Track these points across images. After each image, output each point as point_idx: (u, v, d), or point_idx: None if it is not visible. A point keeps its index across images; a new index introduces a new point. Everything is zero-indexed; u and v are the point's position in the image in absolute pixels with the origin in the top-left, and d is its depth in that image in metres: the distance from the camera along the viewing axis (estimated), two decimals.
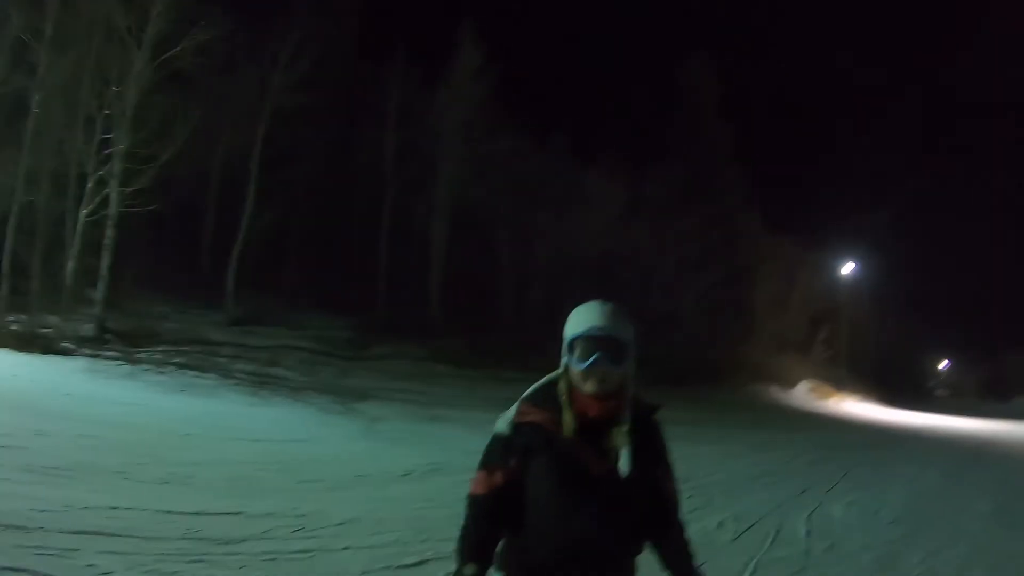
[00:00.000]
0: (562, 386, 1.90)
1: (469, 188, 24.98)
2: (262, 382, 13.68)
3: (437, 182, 25.20)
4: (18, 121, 15.50)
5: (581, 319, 1.91)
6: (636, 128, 37.46)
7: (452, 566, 1.93)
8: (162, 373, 12.42)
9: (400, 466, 8.19)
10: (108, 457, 6.62)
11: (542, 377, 2.01)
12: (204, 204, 22.37)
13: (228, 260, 19.66)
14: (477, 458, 1.98)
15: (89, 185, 15.15)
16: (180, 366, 13.26)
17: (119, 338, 14.03)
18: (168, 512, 5.22)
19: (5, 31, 15.19)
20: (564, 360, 1.93)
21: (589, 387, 1.85)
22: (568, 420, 1.85)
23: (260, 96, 20.50)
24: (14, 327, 13.00)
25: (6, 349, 11.87)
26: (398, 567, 4.69)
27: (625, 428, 1.84)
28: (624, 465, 1.81)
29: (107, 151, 15.22)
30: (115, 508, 5.15)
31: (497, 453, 1.93)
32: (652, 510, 1.91)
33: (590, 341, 1.86)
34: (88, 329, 14.09)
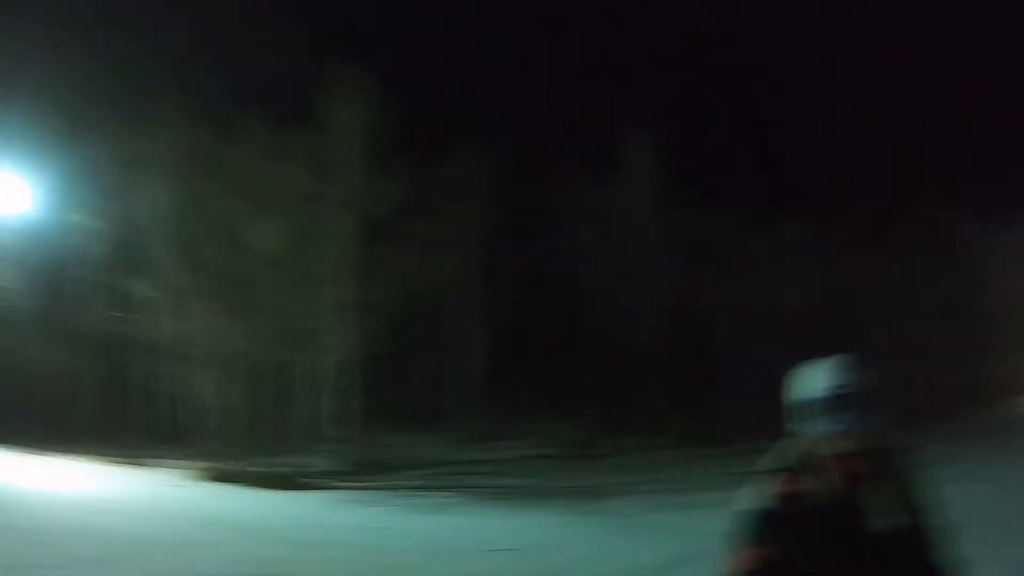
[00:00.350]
0: (813, 449, 1.84)
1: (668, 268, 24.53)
2: (499, 493, 13.79)
3: (637, 269, 25.03)
4: (246, 288, 17.67)
5: (817, 379, 1.86)
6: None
7: None
8: (403, 497, 12.93)
9: (649, 558, 7.72)
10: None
11: (772, 447, 1.97)
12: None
13: (459, 381, 20.62)
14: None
15: (318, 336, 16.70)
16: (419, 488, 13.79)
17: (360, 468, 14.91)
18: None
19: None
20: (799, 424, 1.88)
21: (841, 446, 1.79)
22: (832, 483, 1.79)
23: None
24: (263, 468, 14.31)
25: (260, 488, 13.05)
26: None
27: (887, 480, 1.80)
28: (894, 519, 1.76)
29: (336, 302, 16.78)
30: None
31: (760, 528, 1.87)
32: (925, 561, 1.80)
33: (835, 400, 1.79)
34: (330, 464, 15.13)
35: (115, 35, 23.25)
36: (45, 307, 21.12)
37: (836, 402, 1.80)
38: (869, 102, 32.68)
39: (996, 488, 10.45)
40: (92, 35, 23.88)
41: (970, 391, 26.00)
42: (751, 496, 1.91)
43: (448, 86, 26.71)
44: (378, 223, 17.51)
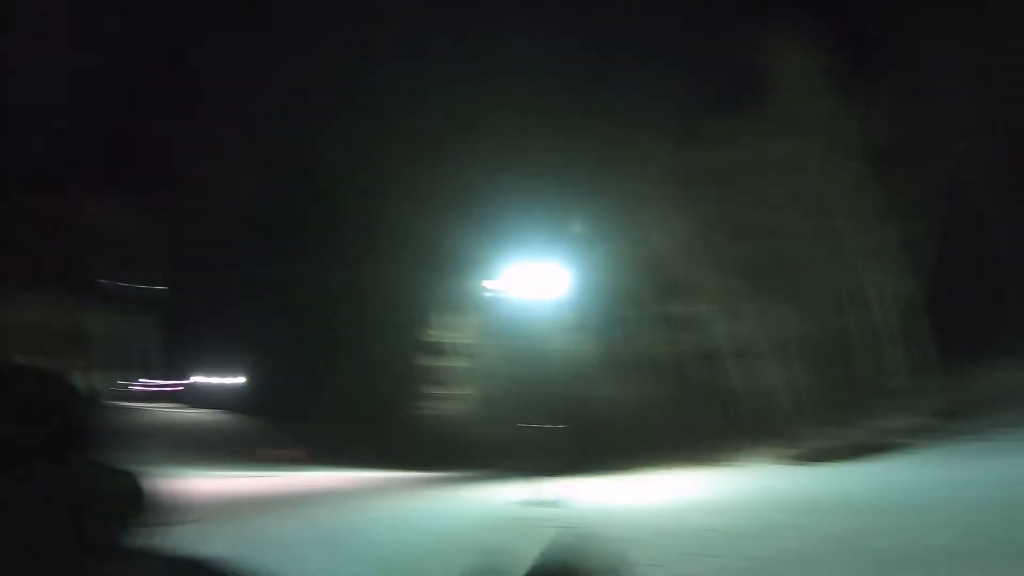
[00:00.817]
0: None
1: None
2: None
3: None
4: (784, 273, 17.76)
5: None
6: None
7: None
8: (996, 442, 11.17)
9: None
10: (950, 543, 6.09)
11: None
12: None
13: None
14: None
15: (870, 293, 15.85)
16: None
17: (941, 419, 13.39)
18: None
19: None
20: None
21: None
22: None
23: None
24: (843, 441, 13.95)
25: (839, 462, 12.78)
26: None
27: None
28: None
29: (865, 257, 15.89)
30: None
31: None
32: None
33: None
34: (909, 423, 13.95)
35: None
36: (606, 347, 24.75)
37: None
38: None
39: None
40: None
41: None
42: None
43: None
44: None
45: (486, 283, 26.76)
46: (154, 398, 45.41)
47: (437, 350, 31.58)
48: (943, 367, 15.71)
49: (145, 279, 46.65)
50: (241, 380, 48.96)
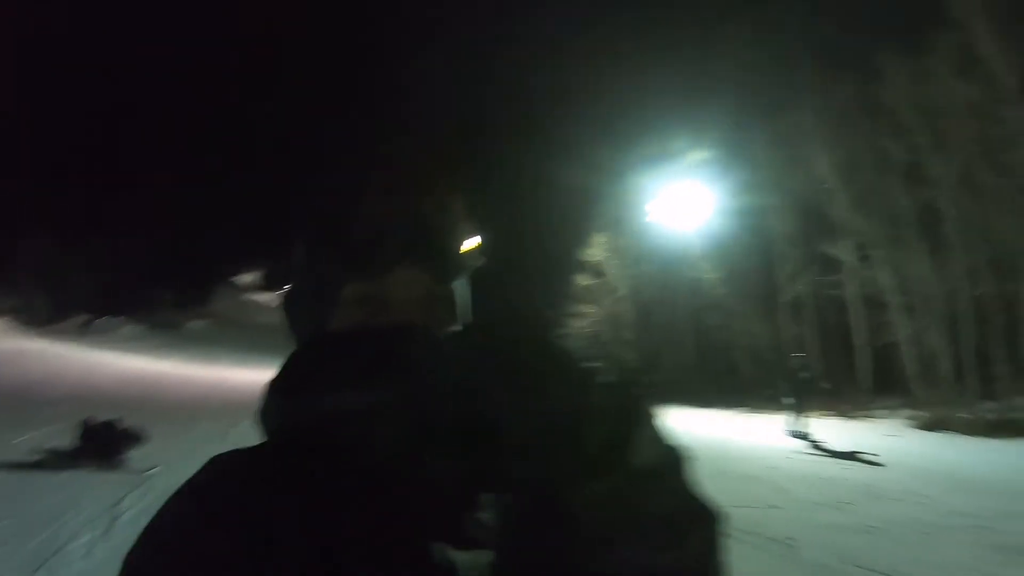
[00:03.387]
0: None
1: None
2: None
3: None
4: (940, 227, 17.00)
5: None
6: None
7: None
8: None
9: None
10: None
11: None
12: None
13: None
14: None
15: None
16: None
17: None
18: None
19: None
20: None
21: None
22: None
23: None
24: (985, 415, 13.64)
25: (980, 437, 12.60)
26: None
27: None
28: None
29: None
30: None
31: None
32: None
33: None
34: None
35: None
36: (749, 286, 24.67)
37: None
38: None
39: None
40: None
41: None
42: None
43: None
44: None
45: (647, 207, 26.99)
46: None
47: (597, 271, 32.38)
48: None
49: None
50: None
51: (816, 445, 12.72)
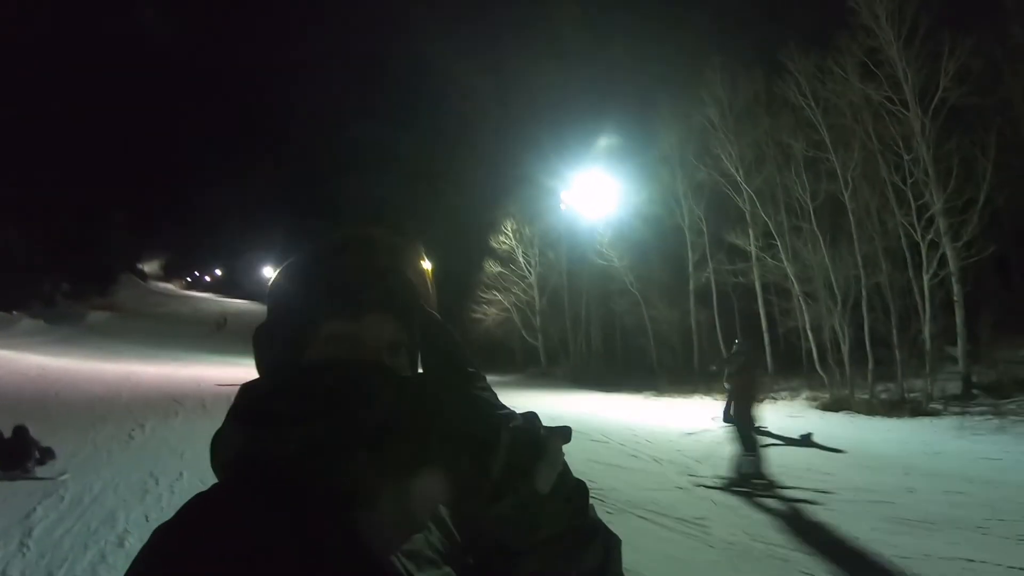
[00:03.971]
0: None
1: None
2: None
3: None
4: (840, 218, 17.79)
5: None
6: None
7: None
8: None
9: None
10: (972, 512, 6.55)
11: None
12: None
13: None
14: None
15: (922, 251, 15.81)
16: None
17: (985, 392, 13.62)
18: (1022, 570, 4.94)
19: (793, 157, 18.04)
20: None
21: None
22: None
23: None
24: (883, 395, 14.34)
25: (878, 416, 13.23)
26: None
27: None
28: None
29: (927, 215, 15.69)
30: (971, 560, 5.17)
31: None
32: None
33: None
34: (953, 387, 14.23)
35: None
36: (657, 273, 25.28)
37: None
38: None
39: None
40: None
41: None
42: None
43: None
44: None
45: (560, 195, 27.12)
46: None
47: (508, 258, 32.48)
48: (996, 339, 15.74)
49: None
50: None
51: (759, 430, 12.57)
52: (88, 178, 58.52)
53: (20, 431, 8.29)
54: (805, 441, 11.26)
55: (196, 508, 0.74)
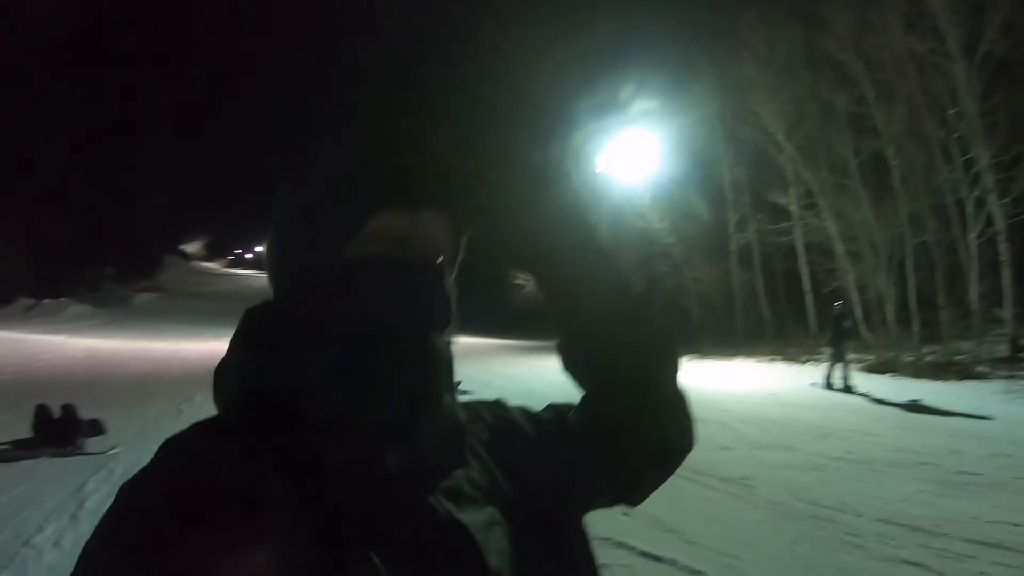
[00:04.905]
0: None
1: None
2: None
3: None
4: (884, 176, 17.40)
5: None
6: None
7: None
8: None
9: None
10: (1018, 475, 6.56)
11: None
12: None
13: None
14: None
15: (968, 209, 15.48)
16: None
17: None
18: None
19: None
20: None
21: None
22: None
23: None
24: (929, 358, 14.19)
25: (924, 379, 13.12)
26: None
27: None
28: None
29: (973, 171, 15.33)
30: (1017, 525, 5.20)
31: None
32: None
33: None
34: (1001, 350, 14.01)
35: None
36: (697, 235, 25.03)
37: None
38: None
39: None
40: None
41: None
42: None
43: None
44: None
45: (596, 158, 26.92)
46: None
47: None
48: None
49: None
50: None
51: (864, 396, 12.05)
52: (128, 162, 59.79)
53: (68, 409, 8.57)
54: (849, 402, 11.28)
55: (170, 454, 0.64)
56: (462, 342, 25.78)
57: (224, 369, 0.71)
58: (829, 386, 13.00)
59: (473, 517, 0.69)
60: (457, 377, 0.78)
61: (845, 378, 12.92)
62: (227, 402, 0.70)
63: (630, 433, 0.83)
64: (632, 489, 0.89)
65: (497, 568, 0.66)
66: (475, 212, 0.75)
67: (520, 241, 0.78)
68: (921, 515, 5.51)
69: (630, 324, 0.82)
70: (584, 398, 0.88)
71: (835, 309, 13.65)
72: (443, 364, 0.72)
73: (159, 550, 0.54)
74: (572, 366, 0.86)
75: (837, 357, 13.11)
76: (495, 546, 0.68)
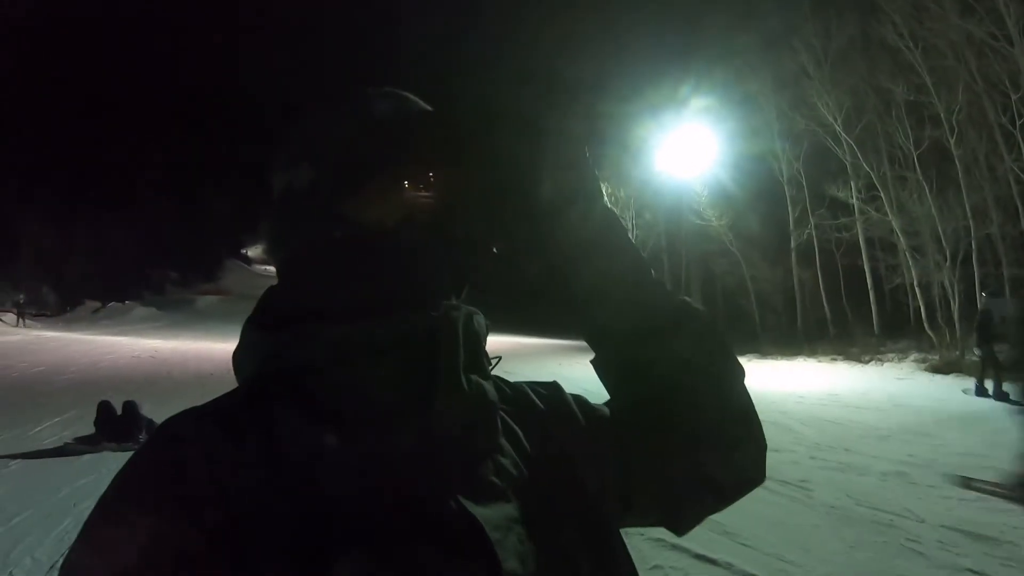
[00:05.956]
0: None
1: None
2: None
3: None
4: (945, 166, 16.85)
5: None
6: None
7: None
8: None
9: None
10: None
11: None
12: None
13: None
14: None
15: None
16: None
17: None
18: None
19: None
20: None
21: None
22: None
23: None
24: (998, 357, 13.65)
25: (989, 379, 12.65)
26: None
27: None
28: None
29: None
30: None
31: None
32: None
33: None
34: None
35: None
36: (756, 232, 24.61)
37: None
38: None
39: None
40: None
41: None
42: None
43: None
44: None
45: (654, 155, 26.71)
46: None
47: None
48: None
49: None
50: None
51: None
52: (190, 169, 61.78)
53: (129, 406, 8.93)
54: (912, 403, 11.00)
55: (163, 433, 0.64)
56: (508, 342, 25.97)
57: (239, 350, 0.70)
58: (983, 392, 11.48)
59: (491, 512, 0.62)
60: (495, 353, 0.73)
61: (998, 384, 11.02)
62: (243, 381, 0.69)
63: (673, 457, 0.75)
64: (676, 516, 0.80)
65: (514, 571, 0.60)
66: (474, 172, 0.68)
67: (523, 219, 0.70)
68: (986, 522, 5.38)
69: (667, 341, 0.73)
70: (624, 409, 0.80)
71: (982, 304, 11.77)
72: (464, 336, 0.66)
73: (110, 544, 0.55)
74: (605, 382, 0.80)
75: (989, 360, 11.25)
76: (514, 547, 0.61)
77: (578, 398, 0.81)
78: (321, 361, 0.62)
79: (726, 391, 0.76)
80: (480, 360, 0.69)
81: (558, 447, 0.73)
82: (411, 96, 0.75)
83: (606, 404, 0.81)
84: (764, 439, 0.79)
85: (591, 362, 0.78)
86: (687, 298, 0.77)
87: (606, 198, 0.74)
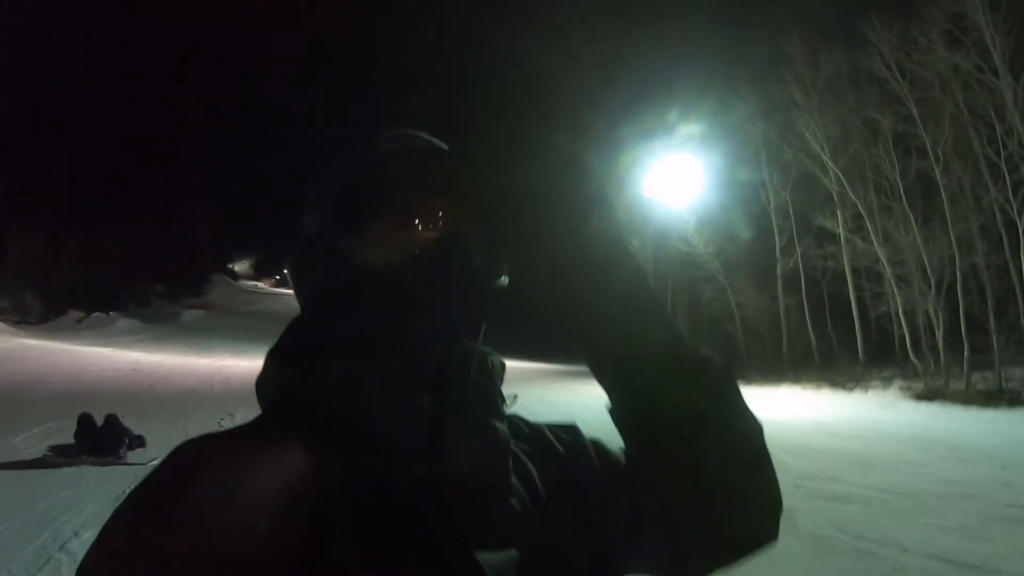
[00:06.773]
0: None
1: None
2: None
3: None
4: (931, 197, 17.09)
5: None
6: None
7: None
8: None
9: None
10: None
11: None
12: None
13: None
14: None
15: (1020, 229, 15.10)
16: None
17: None
18: None
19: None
20: None
21: None
22: None
23: None
24: (979, 385, 13.81)
25: (974, 407, 12.77)
26: None
27: None
28: None
29: (1023, 190, 14.99)
30: None
31: None
32: None
33: None
34: None
35: None
36: (743, 259, 24.77)
37: None
38: None
39: None
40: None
41: None
42: None
43: None
44: None
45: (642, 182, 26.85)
46: None
47: None
48: None
49: None
50: None
51: None
52: (178, 182, 61.78)
53: (111, 420, 8.85)
54: (896, 431, 11.04)
55: (181, 451, 0.64)
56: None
57: (261, 377, 0.72)
58: None
59: (494, 556, 0.61)
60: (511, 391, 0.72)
61: None
62: (264, 409, 0.70)
63: (681, 508, 0.71)
64: (683, 568, 0.78)
65: None
66: (491, 211, 0.66)
67: (543, 260, 0.65)
68: (969, 550, 5.38)
69: (683, 394, 0.68)
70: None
71: None
72: (478, 374, 0.67)
73: (127, 554, 0.56)
74: (619, 428, 0.75)
75: None
76: None
77: (596, 442, 0.82)
78: (333, 392, 0.64)
79: (738, 446, 0.73)
80: (494, 399, 0.70)
81: (571, 489, 0.73)
82: (422, 135, 0.76)
83: (623, 450, 0.80)
84: (780, 497, 0.77)
85: (608, 411, 0.73)
86: (708, 353, 0.72)
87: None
